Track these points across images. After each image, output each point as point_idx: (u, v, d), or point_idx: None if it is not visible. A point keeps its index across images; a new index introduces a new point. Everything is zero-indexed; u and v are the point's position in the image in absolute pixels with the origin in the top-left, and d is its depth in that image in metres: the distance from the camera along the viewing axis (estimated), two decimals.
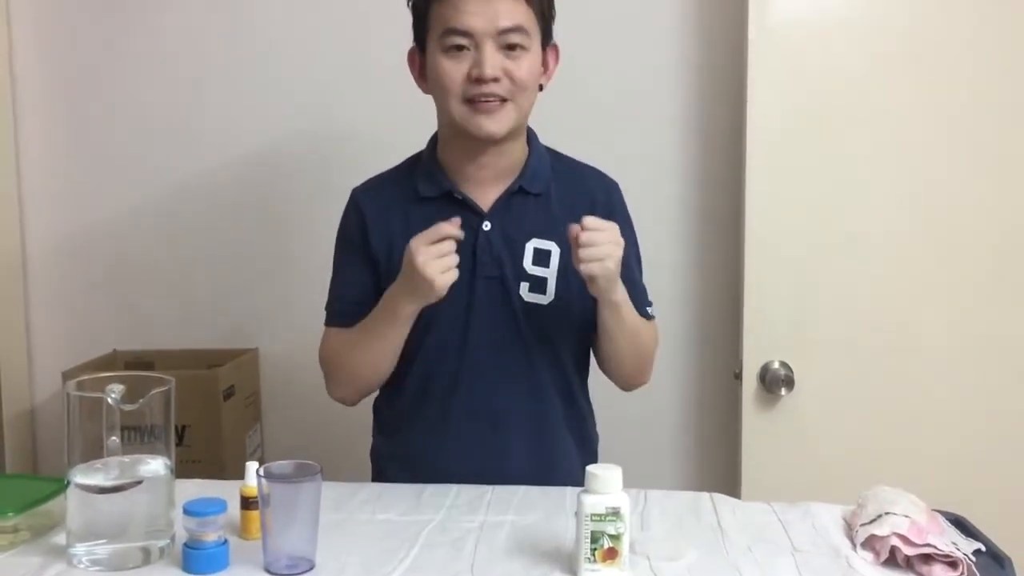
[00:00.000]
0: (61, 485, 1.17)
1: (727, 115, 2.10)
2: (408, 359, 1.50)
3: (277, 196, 2.29)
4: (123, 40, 2.29)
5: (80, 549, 1.14)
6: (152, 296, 2.35)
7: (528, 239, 1.47)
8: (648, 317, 1.57)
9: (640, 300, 1.54)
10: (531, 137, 1.54)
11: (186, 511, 1.13)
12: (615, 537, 1.09)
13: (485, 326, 1.46)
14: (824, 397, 1.98)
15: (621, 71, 2.17)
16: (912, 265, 1.96)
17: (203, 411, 2.07)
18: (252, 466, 1.21)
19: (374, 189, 1.56)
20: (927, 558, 1.14)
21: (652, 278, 2.19)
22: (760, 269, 1.97)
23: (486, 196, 1.48)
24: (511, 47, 1.38)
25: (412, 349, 1.49)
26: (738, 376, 2.01)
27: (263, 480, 1.11)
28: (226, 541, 1.15)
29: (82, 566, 1.14)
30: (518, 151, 1.50)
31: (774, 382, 1.97)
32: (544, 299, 1.47)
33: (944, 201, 1.94)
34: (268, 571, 1.13)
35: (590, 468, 1.11)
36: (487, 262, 1.45)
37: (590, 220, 1.36)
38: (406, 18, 1.49)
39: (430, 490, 1.40)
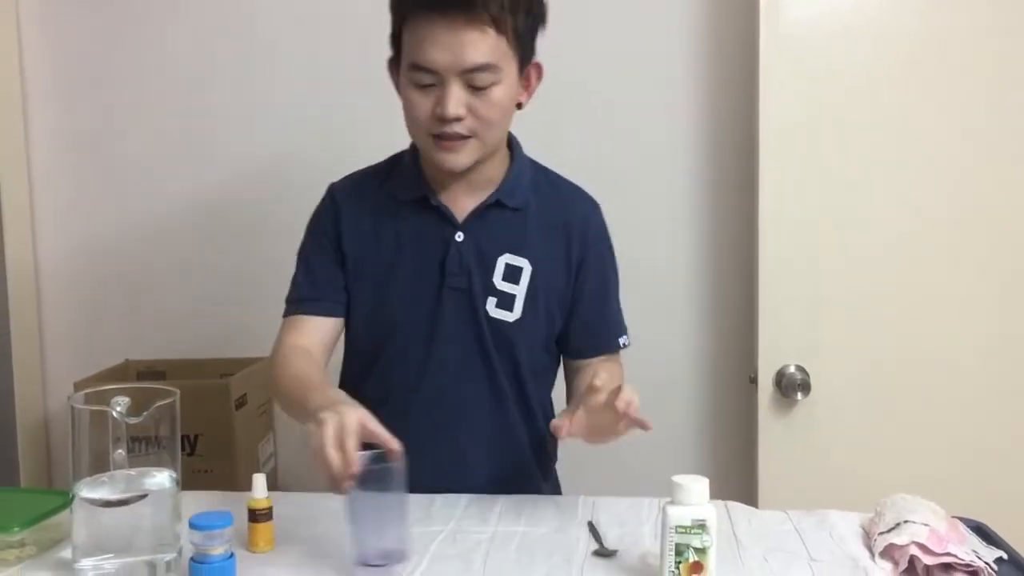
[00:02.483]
0: (67, 499, 1.16)
1: (740, 121, 2.08)
2: (366, 365, 1.48)
3: (290, 206, 2.27)
4: (133, 54, 2.29)
5: (86, 564, 1.13)
6: (164, 305, 2.35)
7: (500, 254, 1.44)
8: (619, 348, 1.53)
9: (614, 333, 1.52)
10: (514, 148, 1.48)
11: (192, 525, 1.12)
12: (701, 551, 1.06)
13: (450, 338, 1.43)
14: (841, 401, 1.96)
15: (632, 80, 2.15)
16: (927, 268, 1.93)
17: (215, 420, 2.06)
18: (259, 478, 1.20)
19: (351, 186, 1.52)
20: (947, 567, 1.12)
21: (667, 283, 2.18)
22: (775, 272, 1.94)
23: (462, 206, 1.44)
24: (478, 86, 1.30)
25: (371, 355, 1.47)
26: (754, 380, 1.99)
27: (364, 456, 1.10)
28: (233, 555, 1.14)
29: None
30: (496, 165, 1.45)
31: (790, 386, 1.94)
32: (510, 316, 1.44)
33: (958, 205, 1.91)
34: (363, 564, 1.14)
35: (676, 478, 1.07)
36: (456, 273, 1.42)
37: (628, 395, 1.19)
38: None
39: (440, 500, 1.39)
